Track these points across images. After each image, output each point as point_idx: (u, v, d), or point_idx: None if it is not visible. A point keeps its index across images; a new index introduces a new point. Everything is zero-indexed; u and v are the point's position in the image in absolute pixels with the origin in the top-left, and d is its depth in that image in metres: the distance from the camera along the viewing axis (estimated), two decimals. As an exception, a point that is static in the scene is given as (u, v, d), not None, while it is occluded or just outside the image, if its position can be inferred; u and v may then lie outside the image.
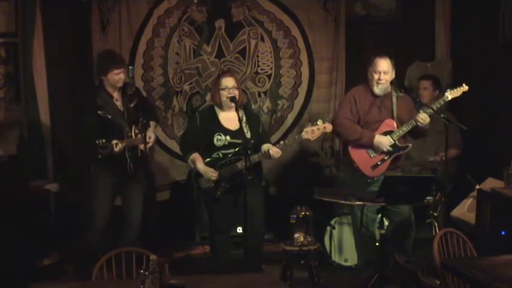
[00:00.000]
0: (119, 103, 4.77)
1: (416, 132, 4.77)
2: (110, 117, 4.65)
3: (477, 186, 4.86)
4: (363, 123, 4.80)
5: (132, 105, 4.64)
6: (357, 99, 4.81)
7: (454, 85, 4.78)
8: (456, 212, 5.03)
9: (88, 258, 4.68)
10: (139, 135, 4.63)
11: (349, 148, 4.82)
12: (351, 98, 4.84)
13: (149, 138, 4.74)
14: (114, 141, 4.52)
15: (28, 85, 5.25)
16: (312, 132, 4.71)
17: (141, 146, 4.68)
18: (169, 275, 2.82)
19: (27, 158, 5.27)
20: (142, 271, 2.71)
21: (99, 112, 4.63)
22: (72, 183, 5.40)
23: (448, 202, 5.12)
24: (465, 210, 4.99)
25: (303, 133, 4.73)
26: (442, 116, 4.61)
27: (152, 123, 4.94)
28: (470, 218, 4.81)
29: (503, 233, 4.42)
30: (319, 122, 4.73)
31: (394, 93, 4.77)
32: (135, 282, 2.76)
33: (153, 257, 2.75)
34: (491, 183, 4.75)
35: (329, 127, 4.77)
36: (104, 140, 4.46)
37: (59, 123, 5.42)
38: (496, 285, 2.86)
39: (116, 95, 4.76)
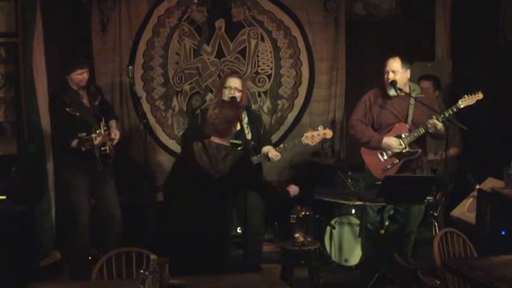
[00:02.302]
0: (85, 101, 4.87)
1: (432, 135, 4.77)
2: (78, 114, 4.73)
3: (477, 186, 4.87)
4: (376, 126, 4.83)
5: (96, 103, 4.89)
6: (371, 101, 4.84)
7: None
8: (456, 212, 5.04)
9: (84, 259, 4.74)
10: (106, 132, 4.73)
11: (362, 149, 4.86)
12: (366, 100, 4.88)
13: (115, 135, 4.84)
14: (94, 135, 4.57)
15: (28, 85, 5.25)
16: (312, 137, 4.73)
17: (108, 144, 4.78)
18: (169, 275, 2.82)
19: (27, 158, 5.28)
20: (142, 271, 2.72)
21: (67, 109, 4.71)
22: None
23: (448, 202, 5.13)
24: (465, 210, 4.99)
25: (303, 138, 4.75)
26: (441, 116, 4.61)
27: (113, 121, 5.04)
28: (470, 218, 4.81)
29: (503, 233, 4.42)
30: (320, 128, 4.76)
31: (412, 97, 4.76)
32: (135, 282, 2.76)
33: (153, 257, 2.75)
34: (491, 183, 4.75)
35: (329, 133, 4.81)
36: (85, 134, 4.52)
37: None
38: (496, 285, 2.86)
39: (81, 93, 4.86)
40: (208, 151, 3.83)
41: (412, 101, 4.76)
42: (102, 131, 4.69)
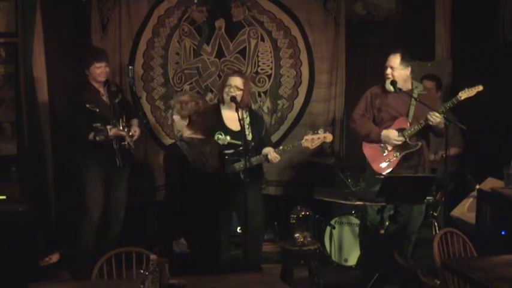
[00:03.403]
0: (105, 98, 4.91)
1: (434, 131, 4.79)
2: (97, 110, 4.76)
3: (477, 186, 4.87)
4: (377, 120, 4.85)
5: (116, 101, 4.93)
6: (373, 96, 4.87)
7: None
8: (456, 212, 5.04)
9: (86, 256, 4.74)
10: (126, 129, 4.78)
11: (363, 144, 4.87)
12: (368, 95, 4.93)
13: (134, 131, 4.90)
14: (109, 126, 4.66)
15: (28, 85, 5.25)
16: (312, 140, 4.74)
17: (127, 140, 4.80)
18: (169, 275, 2.82)
19: (27, 158, 5.28)
20: (142, 271, 2.72)
21: (87, 105, 4.75)
22: (72, 182, 5.40)
23: (448, 202, 5.12)
24: (465, 210, 4.99)
25: (303, 141, 4.76)
26: (442, 110, 4.62)
27: (135, 120, 5.10)
28: (470, 218, 4.81)
29: (503, 233, 4.42)
30: (320, 131, 4.77)
31: (414, 93, 4.78)
32: (135, 282, 2.76)
33: (153, 257, 2.75)
34: (491, 183, 4.75)
35: (329, 137, 4.81)
36: (99, 124, 4.62)
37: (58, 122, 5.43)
38: (496, 285, 2.86)
39: (102, 90, 4.89)
40: (192, 147, 3.82)
41: (413, 102, 4.77)
42: (121, 126, 4.73)
